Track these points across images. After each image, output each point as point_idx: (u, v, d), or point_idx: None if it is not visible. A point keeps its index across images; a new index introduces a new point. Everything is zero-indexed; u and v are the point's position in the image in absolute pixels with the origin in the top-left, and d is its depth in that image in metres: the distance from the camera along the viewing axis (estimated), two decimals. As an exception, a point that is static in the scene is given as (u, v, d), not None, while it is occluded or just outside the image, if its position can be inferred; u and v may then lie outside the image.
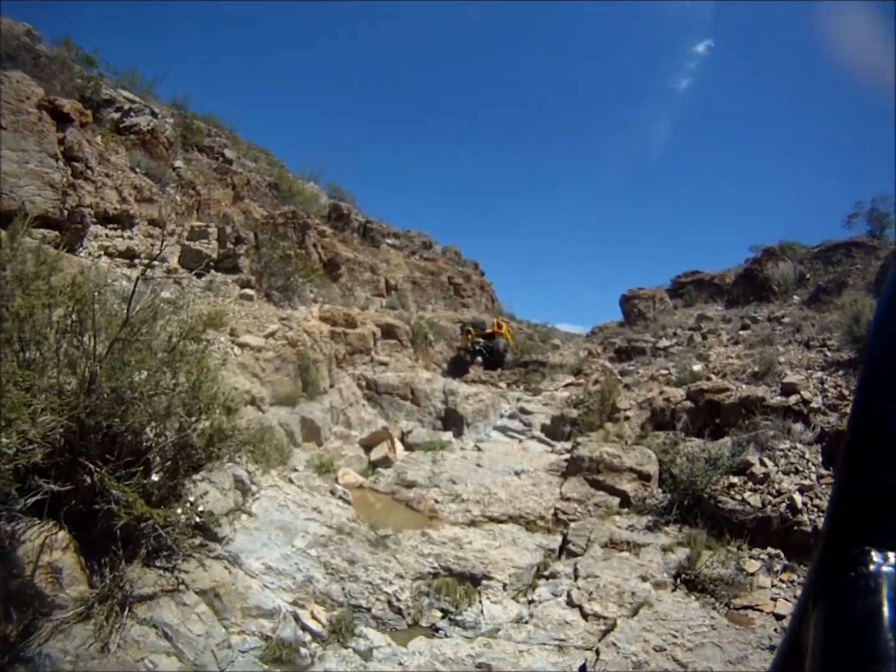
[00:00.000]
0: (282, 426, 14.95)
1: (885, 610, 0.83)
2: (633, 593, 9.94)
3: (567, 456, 16.17)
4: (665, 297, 32.70)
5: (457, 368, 29.43)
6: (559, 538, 12.55)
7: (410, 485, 14.72)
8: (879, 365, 1.04)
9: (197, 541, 8.96)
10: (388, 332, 25.23)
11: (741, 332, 22.30)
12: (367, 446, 16.63)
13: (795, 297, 24.82)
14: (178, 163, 22.26)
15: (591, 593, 10.01)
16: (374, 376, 20.43)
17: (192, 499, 8.80)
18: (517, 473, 15.71)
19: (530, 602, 10.29)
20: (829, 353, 16.59)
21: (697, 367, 19.06)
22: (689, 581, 10.33)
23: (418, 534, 11.78)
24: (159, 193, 19.48)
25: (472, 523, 12.85)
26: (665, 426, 16.41)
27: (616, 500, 13.59)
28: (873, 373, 1.06)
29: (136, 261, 16.56)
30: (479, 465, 16.09)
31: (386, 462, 16.01)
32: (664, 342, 24.72)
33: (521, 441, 19.76)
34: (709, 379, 17.26)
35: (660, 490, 13.76)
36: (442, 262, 38.53)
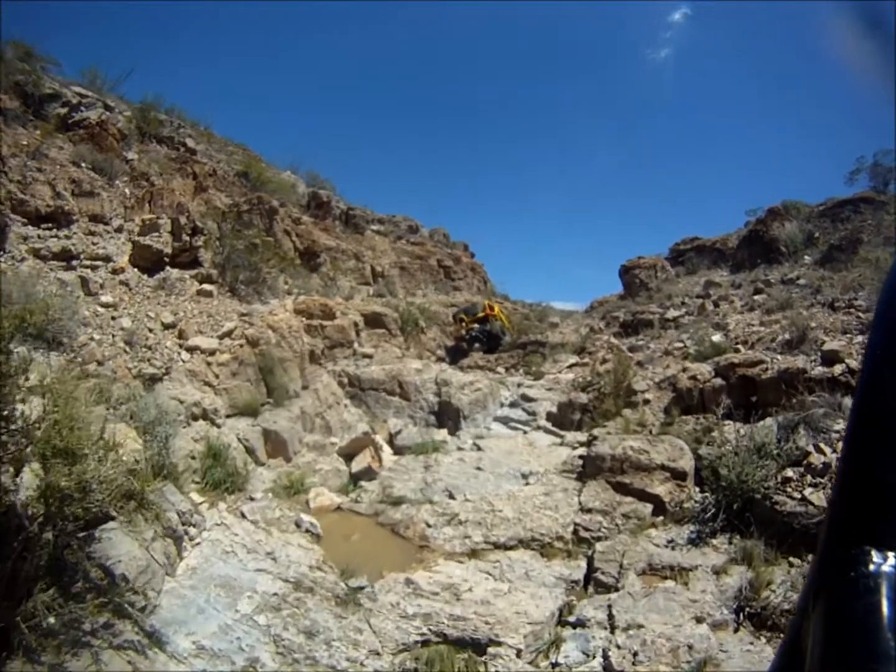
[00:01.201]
0: (241, 442, 12.19)
1: (885, 610, 0.82)
2: (689, 646, 7.17)
3: (581, 451, 13.36)
4: (667, 265, 30.03)
5: (455, 356, 27.71)
6: (583, 564, 9.66)
7: (398, 501, 11.85)
8: (881, 364, 1.01)
9: (102, 619, 6.40)
10: (375, 321, 22.55)
11: (755, 297, 19.83)
12: (348, 455, 13.74)
13: (806, 257, 22.63)
14: (132, 155, 19.56)
15: (635, 654, 7.18)
16: (356, 371, 17.51)
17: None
18: (525, 477, 12.80)
19: (554, 667, 7.37)
20: (861, 315, 14.12)
21: (717, 338, 16.50)
22: (754, 616, 7.73)
23: (402, 583, 8.75)
24: (105, 187, 16.79)
25: (473, 553, 9.93)
26: (693, 409, 13.54)
27: (648, 508, 10.70)
28: (875, 372, 1.03)
29: (75, 262, 13.71)
30: (479, 469, 13.17)
31: (369, 473, 13.09)
32: (672, 312, 21.87)
33: (525, 433, 16.80)
34: (737, 351, 14.54)
35: (697, 489, 10.97)
36: (430, 246, 35.93)
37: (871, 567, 0.85)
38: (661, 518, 10.49)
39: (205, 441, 11.33)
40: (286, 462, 12.73)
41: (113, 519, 7.20)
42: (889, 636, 0.79)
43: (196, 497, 10.18)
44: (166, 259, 15.91)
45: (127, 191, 17.66)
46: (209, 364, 12.93)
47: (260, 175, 25.36)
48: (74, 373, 9.71)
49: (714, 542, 9.42)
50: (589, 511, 10.73)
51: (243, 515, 10.06)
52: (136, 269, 15.08)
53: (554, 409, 17.42)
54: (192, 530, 8.99)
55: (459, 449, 14.80)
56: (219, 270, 17.20)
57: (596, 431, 13.19)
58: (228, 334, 13.98)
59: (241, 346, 13.84)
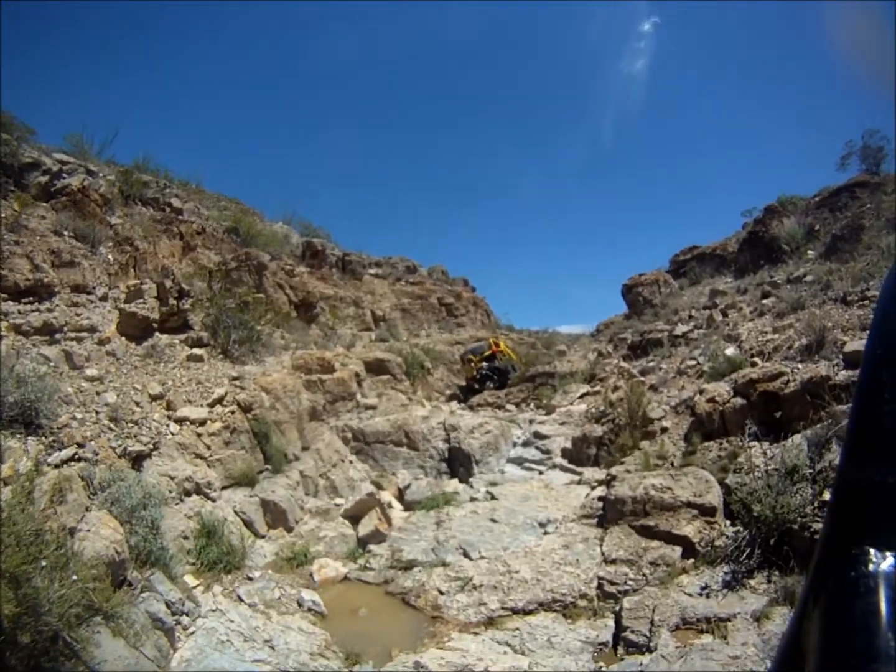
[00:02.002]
0: (238, 515, 11.41)
1: (884, 610, 0.81)
2: (737, 721, 6.32)
3: (599, 491, 12.57)
4: (669, 279, 29.26)
5: (467, 395, 27.32)
6: (610, 622, 8.77)
7: (409, 566, 11.04)
8: (879, 364, 1.01)
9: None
10: (379, 367, 21.95)
11: (764, 302, 18.71)
12: (354, 518, 12.89)
13: (810, 251, 21.70)
14: (115, 219, 18.85)
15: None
16: (360, 425, 16.76)
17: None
18: (542, 526, 11.92)
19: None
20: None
21: (731, 351, 15.45)
22: (805, 665, 6.55)
23: (410, 666, 7.87)
24: (88, 255, 16.12)
25: (490, 622, 9.04)
26: (715, 434, 12.64)
27: (677, 552, 9.80)
28: (873, 372, 1.02)
29: (59, 335, 13.00)
30: (493, 521, 12.31)
31: (377, 536, 12.25)
32: (681, 328, 20.90)
33: (541, 473, 15.98)
34: (753, 364, 13.62)
35: (728, 524, 10.06)
36: (429, 284, 35.40)
37: (871, 567, 0.84)
38: (692, 561, 9.60)
39: (199, 518, 10.56)
40: (287, 532, 11.92)
41: (98, 612, 6.54)
42: (888, 636, 0.78)
43: (190, 580, 9.40)
44: (154, 325, 15.18)
45: (111, 257, 16.99)
46: (199, 435, 12.15)
47: (249, 229, 24.65)
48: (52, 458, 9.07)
49: (751, 582, 8.55)
50: (613, 562, 9.86)
51: (240, 599, 9.25)
52: (123, 338, 14.35)
53: (568, 445, 16.57)
54: (186, 619, 8.25)
55: (472, 499, 13.91)
56: (210, 333, 16.47)
57: (614, 470, 12.37)
58: (219, 401, 13.21)
59: (233, 412, 13.07)
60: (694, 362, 16.85)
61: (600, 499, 11.98)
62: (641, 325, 25.56)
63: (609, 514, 11.00)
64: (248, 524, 11.41)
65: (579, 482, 14.48)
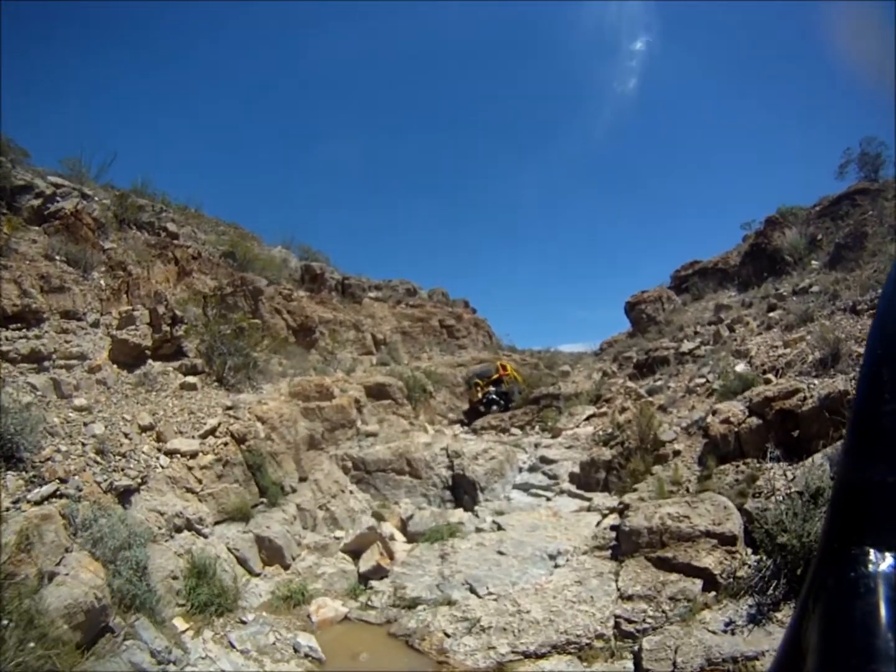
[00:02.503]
0: (231, 552, 10.76)
1: (884, 610, 0.82)
2: None
3: (611, 519, 11.91)
4: (672, 295, 28.57)
5: (471, 418, 27.13)
6: (629, 664, 8.08)
7: (412, 604, 10.41)
8: (880, 364, 1.00)
9: None
10: (380, 392, 21.39)
11: (771, 315, 18.09)
12: (354, 552, 12.26)
13: (814, 261, 21.23)
14: (109, 244, 18.26)
15: None
16: (360, 453, 16.11)
17: None
18: (552, 558, 11.28)
19: None
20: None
21: (741, 368, 14.89)
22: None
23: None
24: (79, 280, 15.55)
25: (501, 668, 8.36)
26: (731, 456, 11.96)
27: (697, 585, 9.10)
28: (874, 372, 1.01)
29: (47, 363, 12.52)
30: (501, 553, 11.68)
31: (379, 572, 11.62)
32: (687, 344, 20.25)
33: (548, 499, 15.30)
34: (767, 381, 13.03)
35: (749, 551, 9.39)
36: (430, 307, 34.95)
37: (870, 567, 0.84)
38: (714, 594, 8.91)
39: (189, 556, 9.91)
40: (284, 569, 11.24)
41: None
42: (888, 636, 0.78)
43: (179, 623, 8.76)
44: (147, 352, 14.70)
45: (102, 282, 16.41)
46: (190, 468, 11.51)
47: (246, 254, 24.07)
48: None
49: (778, 615, 7.91)
50: (630, 598, 9.17)
51: (232, 645, 8.60)
52: (115, 366, 13.85)
53: (576, 470, 15.89)
54: (172, 668, 7.63)
55: (478, 530, 13.25)
56: (204, 360, 15.89)
57: (627, 498, 11.69)
58: (212, 432, 12.56)
59: (226, 444, 12.41)
60: (703, 380, 16.21)
61: (613, 528, 11.33)
62: (646, 342, 24.95)
63: (624, 545, 10.32)
64: (242, 562, 10.77)
65: (589, 509, 13.84)
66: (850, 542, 0.88)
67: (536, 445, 19.49)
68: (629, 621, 8.74)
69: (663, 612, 8.77)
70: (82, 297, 14.98)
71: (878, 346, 1.01)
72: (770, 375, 13.35)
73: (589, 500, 14.40)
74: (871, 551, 0.85)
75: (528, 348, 40.37)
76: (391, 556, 12.16)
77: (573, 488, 15.34)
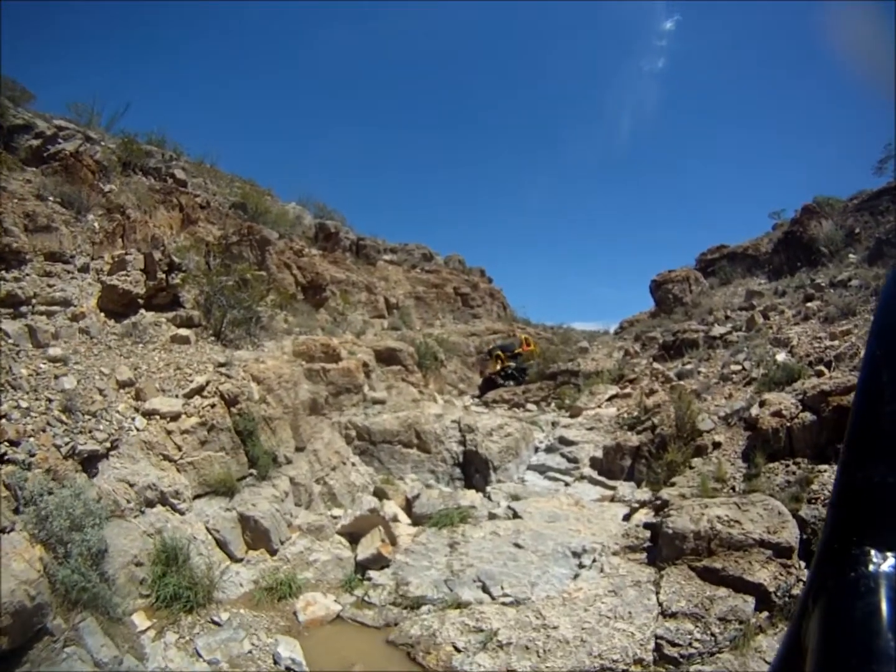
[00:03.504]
0: (210, 533, 9.19)
1: (885, 610, 0.79)
2: None
3: (644, 515, 10.41)
4: (700, 277, 26.79)
5: (484, 389, 25.90)
6: (677, 703, 6.48)
7: (416, 604, 8.85)
8: (880, 365, 0.98)
9: None
10: (390, 357, 19.91)
11: (808, 305, 16.68)
12: (353, 535, 10.65)
13: (851, 255, 19.81)
14: (109, 186, 16.78)
15: None
16: (366, 422, 14.47)
17: None
18: (577, 556, 9.68)
19: None
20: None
21: (782, 357, 13.57)
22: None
23: None
24: (71, 221, 14.30)
25: (522, 701, 6.74)
26: (780, 454, 10.34)
27: (749, 604, 7.57)
28: (874, 373, 0.98)
29: (25, 308, 11.13)
30: (517, 546, 10.07)
31: (379, 561, 9.99)
32: (718, 329, 18.59)
33: (567, 485, 13.72)
34: (819, 374, 11.52)
35: (803, 564, 8.06)
36: (446, 273, 33.27)
37: (871, 567, 0.82)
38: (768, 615, 7.47)
39: (160, 537, 8.33)
40: (270, 555, 9.64)
41: None
42: (889, 636, 0.76)
43: (140, 620, 7.24)
44: (140, 301, 13.22)
45: (97, 225, 14.94)
46: (170, 432, 9.88)
47: (258, 205, 22.37)
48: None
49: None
50: (673, 616, 7.56)
51: (198, 653, 6.99)
52: (102, 315, 12.45)
53: (598, 454, 14.24)
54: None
55: (492, 516, 11.63)
56: (202, 312, 14.35)
57: (665, 494, 10.09)
58: (199, 391, 10.93)
59: (213, 406, 10.77)
60: (739, 367, 14.69)
61: (647, 526, 9.75)
62: (671, 323, 23.40)
63: (665, 550, 8.69)
64: (222, 545, 9.21)
65: (613, 499, 12.30)
66: (850, 543, 0.84)
67: (554, 424, 17.80)
68: (673, 644, 7.18)
69: (712, 635, 7.22)
70: (71, 239, 13.62)
71: (878, 348, 0.98)
72: (818, 368, 11.96)
73: (612, 488, 12.84)
74: (872, 551, 0.82)
75: (541, 323, 38.89)
76: (393, 541, 10.56)
77: (594, 474, 13.74)
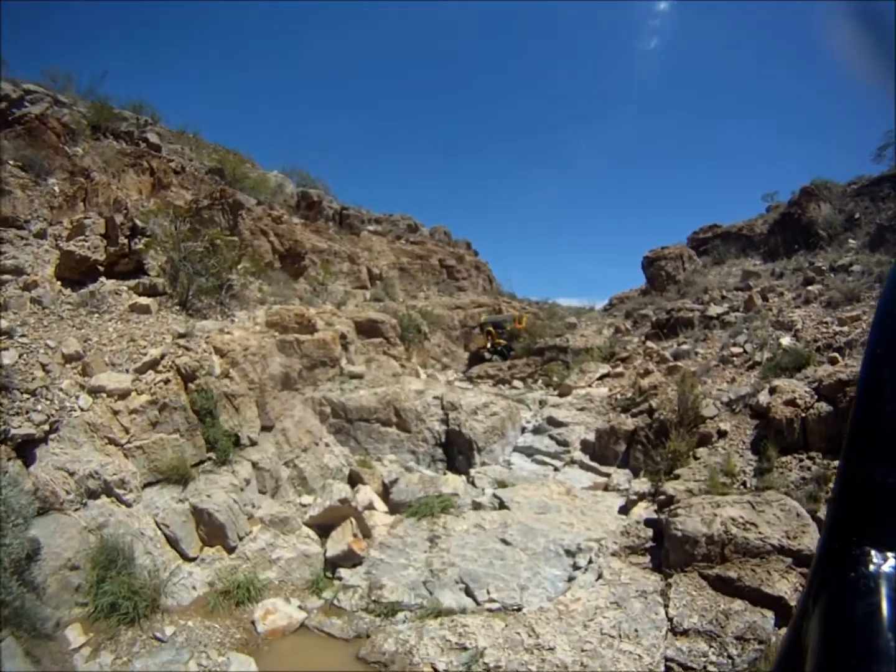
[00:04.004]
0: (160, 528, 8.00)
1: (885, 610, 0.79)
2: None
3: (643, 509, 9.39)
4: (693, 254, 25.89)
5: (470, 363, 25.33)
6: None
7: (391, 610, 7.78)
8: (881, 363, 0.97)
9: None
10: (371, 329, 18.91)
11: (809, 289, 15.77)
12: (323, 527, 9.52)
13: (851, 240, 19.14)
14: (76, 150, 16.02)
15: None
16: (342, 398, 13.29)
17: None
18: (571, 555, 8.63)
19: None
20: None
21: (787, 341, 12.64)
22: None
23: None
24: (29, 185, 13.44)
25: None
26: (793, 447, 9.31)
27: (769, 619, 6.58)
28: (875, 371, 0.98)
29: None
30: (504, 542, 9.00)
31: (350, 558, 8.88)
32: (714, 308, 17.52)
33: (556, 469, 12.69)
34: (833, 361, 10.60)
35: None
36: (431, 245, 32.40)
37: (871, 567, 0.81)
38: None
39: (102, 533, 7.21)
40: (228, 552, 8.48)
41: None
42: (889, 636, 0.75)
43: (75, 636, 6.18)
44: (100, 268, 12.14)
45: (57, 189, 13.72)
46: (116, 413, 8.69)
47: (235, 170, 21.10)
48: None
49: None
50: (685, 633, 6.50)
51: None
52: (58, 283, 11.37)
53: (590, 438, 13.18)
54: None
55: (476, 506, 10.53)
56: (167, 279, 13.17)
57: (670, 488, 9.03)
58: (152, 366, 9.71)
59: (167, 381, 9.57)
60: (739, 349, 13.69)
61: (649, 524, 8.70)
62: (664, 301, 22.36)
63: (672, 555, 7.62)
64: (173, 542, 8.08)
65: (606, 487, 11.30)
66: (851, 543, 0.83)
67: (542, 403, 16.71)
68: (686, 668, 6.19)
69: (729, 657, 6.22)
70: (27, 204, 12.74)
71: (879, 346, 0.97)
72: (835, 354, 10.98)
73: (606, 475, 11.84)
74: (872, 551, 0.81)
75: (526, 298, 38.03)
76: (368, 533, 9.45)
77: (586, 459, 12.69)
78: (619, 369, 16.71)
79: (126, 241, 12.65)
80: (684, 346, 15.74)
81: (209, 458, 9.52)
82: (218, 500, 8.61)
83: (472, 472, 12.42)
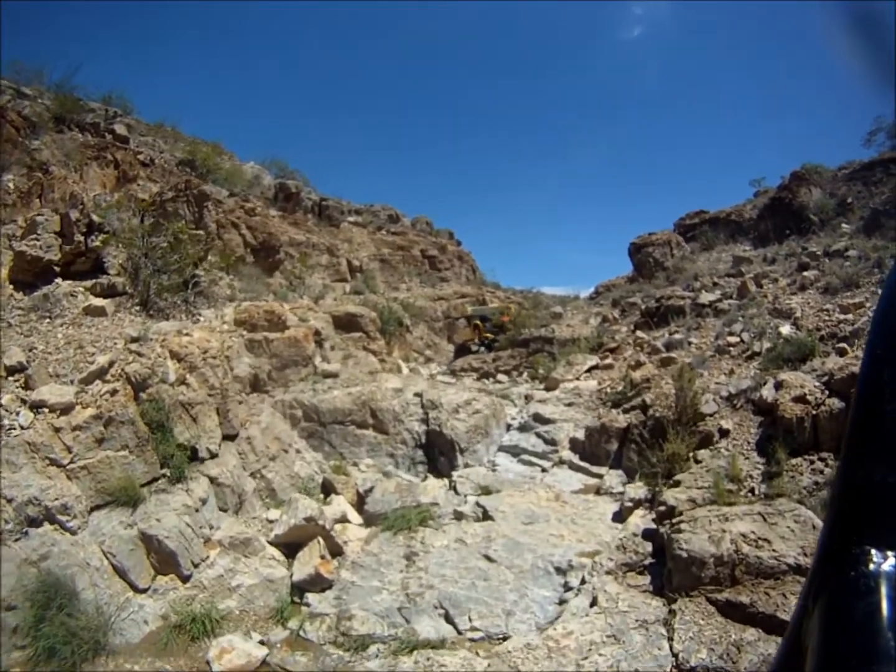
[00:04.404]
0: (107, 557, 7.04)
1: (885, 609, 0.76)
2: None
3: (640, 518, 8.54)
4: (681, 240, 25.06)
5: (455, 357, 24.27)
6: None
7: (362, 644, 6.92)
8: (881, 363, 0.94)
9: None
10: (350, 323, 17.97)
11: (804, 274, 15.19)
12: (289, 546, 8.61)
13: (844, 225, 18.58)
14: (36, 143, 15.08)
15: None
16: (314, 399, 12.36)
17: None
18: (562, 573, 7.78)
19: None
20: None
21: (787, 330, 12.00)
22: None
23: None
24: None
25: None
26: (804, 447, 8.45)
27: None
28: (875, 371, 0.95)
29: None
30: (489, 559, 8.14)
31: (318, 582, 7.98)
32: (706, 296, 16.74)
33: (544, 470, 11.80)
34: (842, 352, 9.90)
35: None
36: (412, 235, 31.47)
37: (871, 567, 0.78)
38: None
39: (43, 566, 6.35)
40: (182, 582, 7.57)
41: None
42: (889, 636, 0.73)
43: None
44: (56, 268, 11.34)
45: (11, 185, 12.79)
46: (58, 430, 7.71)
47: (206, 161, 20.14)
48: None
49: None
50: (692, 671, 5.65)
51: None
52: (11, 287, 10.59)
53: (580, 436, 12.23)
54: None
55: (457, 515, 9.63)
56: (128, 278, 12.25)
57: (671, 497, 8.11)
58: (99, 375, 8.73)
59: (114, 392, 8.59)
60: (736, 339, 12.90)
61: (647, 535, 7.85)
62: (653, 289, 21.58)
63: (676, 577, 6.74)
64: (122, 572, 7.17)
65: (598, 491, 10.44)
66: (851, 542, 0.81)
67: (527, 398, 15.71)
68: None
69: (741, 693, 5.36)
70: None
71: (879, 346, 0.95)
72: (844, 345, 10.25)
73: (597, 476, 10.98)
74: (872, 551, 0.78)
75: (510, 287, 36.92)
76: (340, 550, 8.56)
77: (576, 459, 11.78)
78: (609, 360, 15.82)
79: (82, 238, 11.77)
80: (676, 336, 14.86)
81: (163, 476, 8.54)
82: (168, 525, 7.68)
83: (455, 475, 11.54)
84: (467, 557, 8.17)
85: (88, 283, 11.57)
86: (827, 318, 11.93)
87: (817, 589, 0.82)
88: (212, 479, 8.98)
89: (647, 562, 7.52)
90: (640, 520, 8.46)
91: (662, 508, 7.96)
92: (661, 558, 7.35)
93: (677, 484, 8.54)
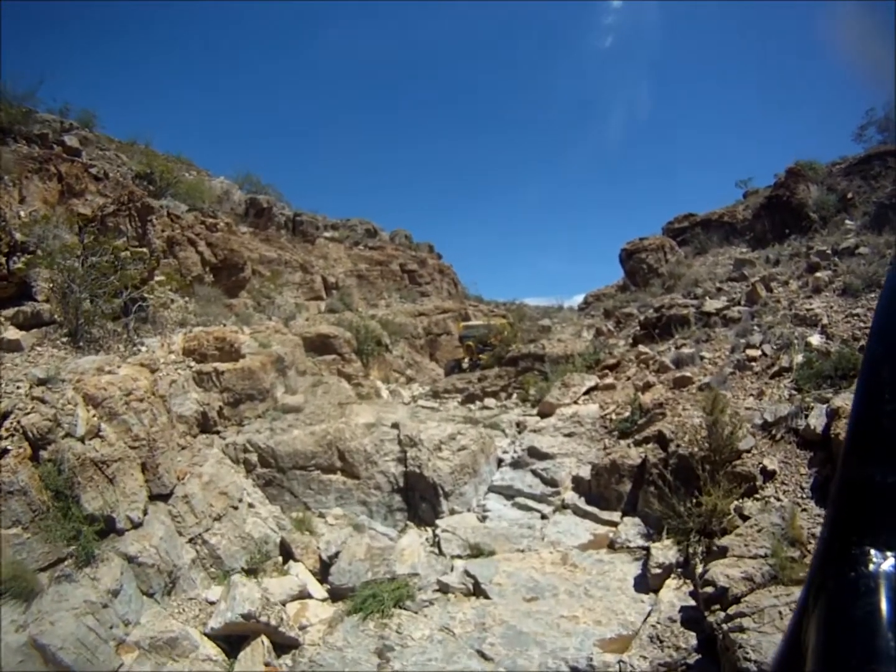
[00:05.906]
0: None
1: (885, 610, 0.76)
2: None
3: (673, 591, 6.66)
4: (675, 245, 23.48)
5: (446, 374, 22.76)
6: None
7: None
8: (880, 363, 0.94)
9: None
10: (323, 345, 16.45)
11: (817, 275, 13.49)
12: (231, 639, 6.56)
13: (848, 221, 17.17)
14: None
15: None
16: (270, 441, 10.29)
17: None
18: (579, 679, 5.73)
19: None
20: None
21: (817, 340, 10.38)
22: None
23: None
24: None
25: None
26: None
27: None
28: (875, 372, 0.95)
29: None
30: (483, 657, 6.23)
31: (264, 695, 5.91)
32: (712, 303, 14.84)
33: (544, 517, 9.82)
34: None
35: None
36: (391, 249, 30.07)
37: (871, 567, 0.78)
38: None
39: None
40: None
41: None
42: (889, 636, 0.72)
43: None
44: None
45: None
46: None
47: (164, 174, 18.15)
48: None
49: None
50: None
51: None
52: None
53: (584, 474, 10.26)
54: None
55: (442, 588, 7.61)
56: (57, 304, 10.27)
57: (720, 573, 5.99)
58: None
59: (4, 453, 6.51)
60: (757, 352, 11.07)
61: (688, 622, 5.89)
62: (648, 297, 19.95)
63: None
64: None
65: (612, 545, 8.41)
66: (850, 542, 0.80)
67: (520, 426, 13.61)
68: None
69: None
70: None
71: (878, 346, 0.95)
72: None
73: (608, 524, 9.05)
74: (872, 551, 0.78)
75: (493, 300, 36.23)
76: (294, 643, 6.54)
77: (581, 503, 9.79)
78: (609, 380, 13.78)
79: (3, 260, 9.84)
80: (685, 350, 12.84)
81: (70, 555, 6.46)
82: (64, 631, 5.67)
83: (440, 524, 9.62)
84: (456, 654, 6.18)
85: (10, 311, 9.74)
86: (860, 324, 10.36)
87: (817, 589, 0.80)
88: (130, 559, 6.85)
89: (691, 659, 5.55)
90: (675, 594, 6.49)
91: (710, 590, 5.93)
92: (710, 654, 5.41)
93: (723, 552, 6.43)
